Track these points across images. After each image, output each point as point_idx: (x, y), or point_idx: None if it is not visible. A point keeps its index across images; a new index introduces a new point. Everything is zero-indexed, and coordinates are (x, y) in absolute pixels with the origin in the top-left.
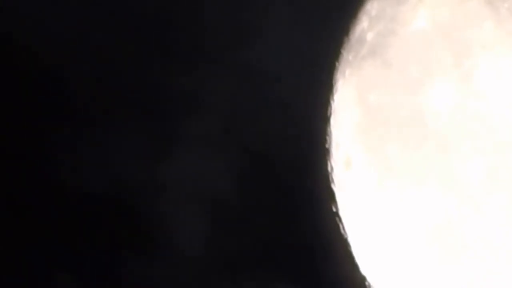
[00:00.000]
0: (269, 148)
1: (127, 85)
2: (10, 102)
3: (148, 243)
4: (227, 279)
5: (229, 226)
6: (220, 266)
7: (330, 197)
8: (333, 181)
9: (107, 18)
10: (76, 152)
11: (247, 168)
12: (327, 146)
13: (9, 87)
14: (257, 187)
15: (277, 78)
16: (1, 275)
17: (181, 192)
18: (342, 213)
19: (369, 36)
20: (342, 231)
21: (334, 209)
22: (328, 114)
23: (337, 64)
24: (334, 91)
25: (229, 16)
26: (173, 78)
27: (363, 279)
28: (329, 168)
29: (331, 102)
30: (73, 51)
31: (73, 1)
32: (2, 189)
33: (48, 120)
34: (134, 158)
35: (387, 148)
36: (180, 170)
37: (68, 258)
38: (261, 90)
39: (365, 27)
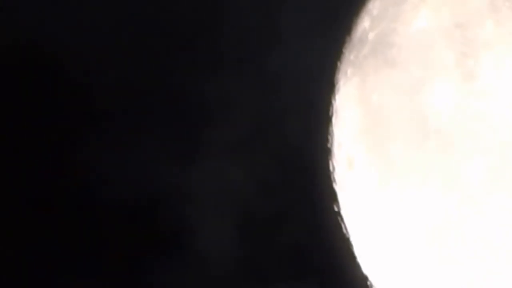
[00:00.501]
0: (291, 153)
1: (152, 91)
2: (36, 109)
3: (173, 250)
4: (252, 286)
5: (254, 232)
6: (244, 272)
7: (332, 196)
8: (335, 181)
9: (134, 25)
10: (101, 158)
11: (272, 174)
12: (329, 145)
13: (35, 93)
14: (282, 194)
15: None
16: (26, 281)
17: (206, 198)
18: (344, 212)
19: (371, 35)
20: (344, 230)
21: (336, 209)
22: (330, 113)
23: (338, 63)
24: (336, 90)
25: (252, 22)
26: (199, 85)
27: (365, 278)
28: (331, 168)
29: (333, 101)
30: (98, 57)
31: (98, 8)
32: (26, 195)
33: (73, 127)
34: (159, 164)
35: (389, 147)
36: (205, 177)
37: (92, 264)
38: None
39: (366, 27)
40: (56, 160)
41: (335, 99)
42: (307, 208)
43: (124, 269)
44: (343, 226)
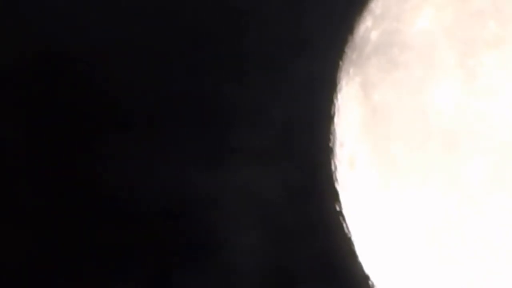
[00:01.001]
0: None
1: (178, 98)
2: (61, 115)
3: (200, 258)
4: None
5: (281, 239)
6: (270, 279)
7: (333, 196)
8: (336, 180)
9: (160, 28)
10: (127, 164)
11: (300, 180)
12: (330, 145)
13: (60, 100)
14: (310, 200)
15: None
16: (55, 285)
17: (233, 204)
18: (346, 212)
19: (373, 35)
20: (345, 230)
21: (337, 208)
22: (332, 113)
23: (340, 63)
24: (338, 90)
25: (278, 28)
26: (226, 91)
27: (366, 278)
28: (332, 167)
29: (335, 101)
30: (123, 63)
31: (122, 14)
32: (51, 200)
33: (98, 133)
34: (186, 171)
35: (391, 147)
36: (233, 182)
37: (118, 273)
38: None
39: (369, 26)
40: (82, 166)
41: (337, 98)
42: (309, 208)
43: (151, 278)
44: (344, 225)
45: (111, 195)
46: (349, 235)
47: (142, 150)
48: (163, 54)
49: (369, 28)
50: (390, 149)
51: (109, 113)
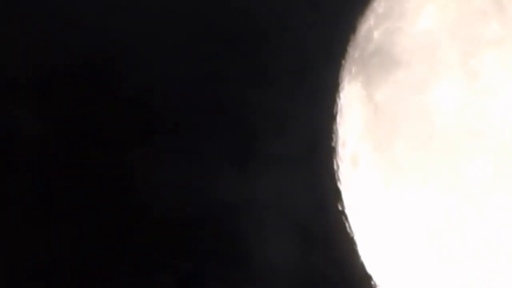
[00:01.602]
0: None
1: (208, 105)
2: (91, 120)
3: (230, 262)
4: None
5: (312, 246)
6: (300, 286)
7: (336, 195)
8: (339, 180)
9: (191, 39)
10: (156, 171)
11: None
12: (333, 144)
13: (92, 105)
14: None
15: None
16: None
17: (264, 211)
18: (348, 211)
19: (376, 34)
20: (348, 229)
21: (340, 208)
22: (334, 112)
23: (343, 62)
24: (341, 89)
25: (310, 36)
26: (255, 99)
27: (369, 278)
28: (335, 167)
29: (337, 100)
30: (154, 69)
31: (154, 24)
32: (81, 209)
33: (127, 140)
34: (216, 179)
35: (394, 146)
36: (264, 189)
37: (148, 280)
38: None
39: (371, 25)
40: (113, 173)
41: (339, 97)
42: (311, 207)
43: (181, 282)
44: (347, 225)
45: (141, 202)
46: (351, 235)
47: (171, 157)
48: (192, 63)
49: (371, 28)
50: (392, 148)
51: (138, 121)
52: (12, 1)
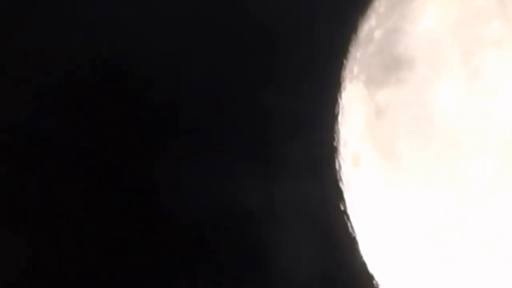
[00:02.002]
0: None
1: (232, 108)
2: (115, 124)
3: (253, 268)
4: None
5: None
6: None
7: (338, 195)
8: (341, 179)
9: (213, 43)
10: (180, 175)
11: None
12: (335, 144)
13: (115, 108)
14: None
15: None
16: None
17: (288, 216)
18: (350, 211)
19: (377, 33)
20: (350, 229)
21: (342, 208)
22: (336, 112)
23: (345, 61)
24: (342, 88)
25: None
26: (279, 102)
27: (371, 277)
28: (337, 166)
29: (339, 99)
30: (180, 72)
31: (180, 25)
32: (106, 216)
33: (152, 141)
34: (239, 182)
35: (395, 146)
36: (288, 194)
37: (169, 282)
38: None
39: (373, 25)
40: (136, 176)
41: (341, 97)
42: (313, 207)
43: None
44: (349, 224)
45: (164, 206)
46: (353, 234)
47: (194, 160)
48: (217, 65)
49: (373, 27)
50: (393, 148)
51: (158, 125)
52: (29, 6)
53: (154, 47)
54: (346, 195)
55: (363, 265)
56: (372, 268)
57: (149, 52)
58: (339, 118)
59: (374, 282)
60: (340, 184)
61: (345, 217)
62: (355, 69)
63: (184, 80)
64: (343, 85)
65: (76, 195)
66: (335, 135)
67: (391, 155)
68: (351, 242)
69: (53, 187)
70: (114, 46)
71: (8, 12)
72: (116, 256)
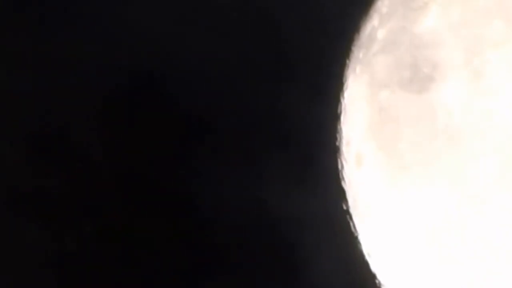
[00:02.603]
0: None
1: (268, 115)
2: (149, 135)
3: (286, 276)
4: None
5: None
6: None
7: (340, 195)
8: (343, 179)
9: (245, 52)
10: (212, 181)
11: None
12: (337, 143)
13: (148, 118)
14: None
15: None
16: None
17: (320, 225)
18: (353, 211)
19: (380, 33)
20: (352, 229)
21: (344, 207)
22: (339, 111)
23: (347, 61)
24: (345, 88)
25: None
26: (315, 109)
27: (373, 276)
28: (339, 166)
29: (342, 99)
30: (212, 82)
31: (210, 36)
32: (141, 224)
33: (183, 148)
34: (273, 189)
35: (398, 145)
36: (320, 203)
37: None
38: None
39: (375, 25)
40: (168, 182)
41: (343, 96)
42: (316, 207)
43: None
44: (351, 224)
45: (196, 212)
46: (356, 234)
47: (227, 167)
48: (249, 75)
49: (375, 27)
50: (396, 148)
51: (194, 131)
52: (69, 21)
53: (190, 60)
54: (349, 195)
55: (365, 265)
56: (374, 267)
57: (176, 60)
58: (342, 117)
59: (377, 281)
60: (343, 184)
61: (347, 216)
62: (358, 69)
63: (214, 86)
64: (345, 84)
65: (108, 199)
66: (338, 135)
67: (393, 154)
68: (354, 242)
69: (87, 190)
70: (146, 60)
71: (46, 21)
72: (144, 259)
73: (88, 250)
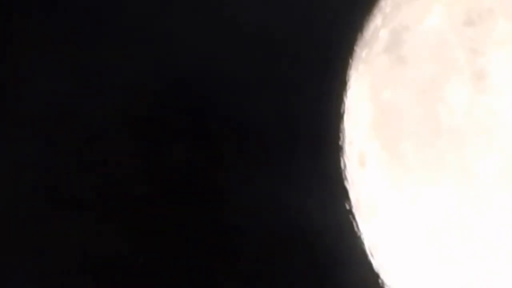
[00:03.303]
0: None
1: (267, 114)
2: (187, 142)
3: (323, 282)
4: None
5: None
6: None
7: (343, 194)
8: (346, 179)
9: (245, 52)
10: (246, 193)
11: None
12: (340, 143)
13: (185, 123)
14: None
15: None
16: None
17: (323, 221)
18: (356, 210)
19: (383, 32)
20: (355, 228)
21: (347, 207)
22: (342, 111)
23: (350, 60)
24: (348, 88)
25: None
26: (312, 107)
27: (376, 276)
28: (342, 166)
29: (344, 99)
30: (249, 91)
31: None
32: (171, 231)
33: (220, 158)
34: (311, 199)
35: (401, 145)
36: (323, 199)
37: None
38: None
39: (378, 24)
40: (204, 194)
41: (346, 96)
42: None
43: None
44: (354, 224)
45: (236, 222)
46: (358, 234)
47: (227, 168)
48: (250, 75)
49: (378, 26)
50: (400, 147)
51: (231, 141)
52: (107, 37)
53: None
54: (352, 194)
55: (368, 264)
56: (377, 267)
57: (220, 71)
58: (345, 117)
59: (380, 281)
60: (346, 183)
61: (350, 216)
62: (361, 68)
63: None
64: (348, 84)
65: (142, 202)
66: (341, 134)
67: (397, 154)
68: (356, 241)
69: (124, 194)
70: (184, 67)
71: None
72: (177, 268)
73: (125, 255)
